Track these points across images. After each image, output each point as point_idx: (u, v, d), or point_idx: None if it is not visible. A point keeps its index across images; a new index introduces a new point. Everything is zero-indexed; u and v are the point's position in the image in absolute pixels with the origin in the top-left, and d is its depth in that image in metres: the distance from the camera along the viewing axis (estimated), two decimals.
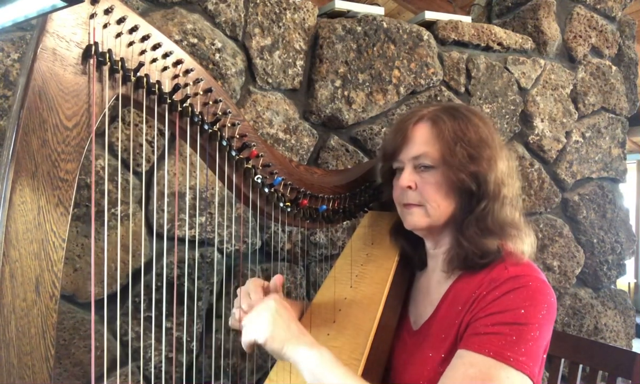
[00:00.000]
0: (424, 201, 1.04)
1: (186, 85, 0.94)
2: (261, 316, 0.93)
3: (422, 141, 1.04)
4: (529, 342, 0.89)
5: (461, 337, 0.96)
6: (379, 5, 2.00)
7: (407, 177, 1.05)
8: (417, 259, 1.17)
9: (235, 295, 1.53)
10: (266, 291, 1.08)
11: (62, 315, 1.34)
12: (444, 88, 1.86)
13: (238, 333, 1.52)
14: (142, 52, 0.87)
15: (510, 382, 0.87)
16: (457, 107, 1.09)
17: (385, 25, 1.74)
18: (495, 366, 0.87)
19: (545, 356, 0.98)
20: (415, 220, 1.06)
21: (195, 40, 1.45)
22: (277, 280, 1.09)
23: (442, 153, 1.02)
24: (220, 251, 1.53)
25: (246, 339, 0.93)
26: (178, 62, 0.92)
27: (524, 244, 1.01)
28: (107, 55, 0.82)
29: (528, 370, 0.88)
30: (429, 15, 1.90)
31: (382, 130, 1.75)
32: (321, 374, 0.88)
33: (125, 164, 1.41)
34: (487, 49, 1.96)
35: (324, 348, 0.92)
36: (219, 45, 1.49)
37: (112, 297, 1.36)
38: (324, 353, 0.90)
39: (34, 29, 1.28)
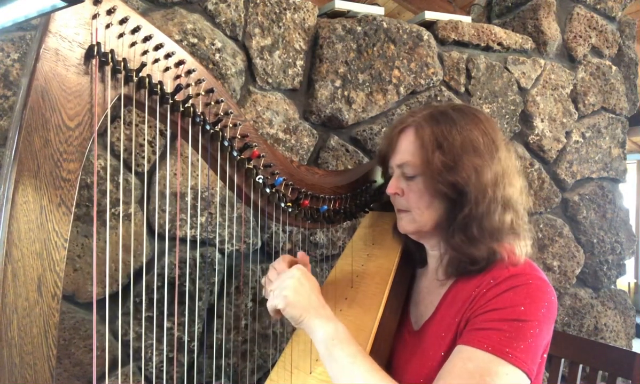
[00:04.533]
0: (410, 208, 1.06)
1: (188, 85, 0.94)
2: (284, 283, 0.95)
3: (405, 149, 1.05)
4: (528, 339, 0.89)
5: (460, 333, 0.96)
6: (379, 5, 2.00)
7: (393, 184, 1.07)
8: (418, 256, 1.17)
9: (236, 295, 1.54)
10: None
11: (62, 314, 1.34)
12: (444, 88, 1.86)
13: (239, 332, 1.53)
14: (144, 53, 0.87)
15: (508, 378, 0.87)
16: (445, 111, 1.05)
17: (385, 25, 1.74)
18: (494, 362, 0.87)
19: (545, 356, 0.99)
20: (403, 224, 1.08)
21: (195, 40, 1.45)
22: (301, 256, 1.13)
23: (421, 161, 1.02)
24: (221, 251, 1.53)
25: (270, 305, 0.95)
26: (180, 63, 0.92)
27: (520, 248, 1.00)
28: (110, 55, 0.82)
29: (526, 367, 0.88)
30: (429, 15, 1.90)
31: (382, 130, 1.75)
32: (333, 347, 0.90)
33: (126, 164, 1.41)
34: (487, 49, 1.96)
35: (341, 323, 0.93)
36: (219, 45, 1.49)
37: (112, 297, 1.36)
38: (339, 328, 0.92)
39: (34, 29, 1.28)
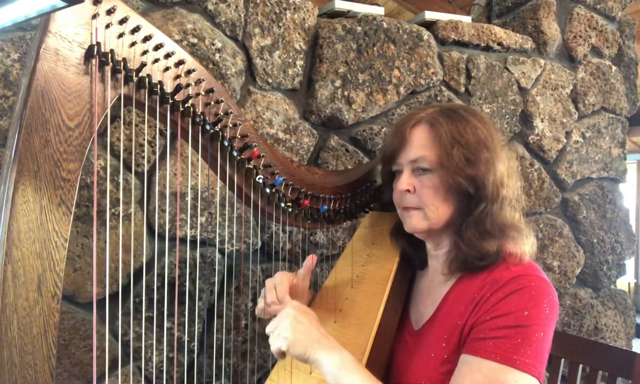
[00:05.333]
0: (423, 205, 1.04)
1: (188, 85, 0.94)
2: (282, 325, 0.93)
3: (419, 144, 1.04)
4: (534, 344, 0.89)
5: (465, 339, 0.95)
6: (379, 5, 2.00)
7: (405, 181, 1.05)
8: (417, 259, 1.17)
9: (236, 295, 1.54)
10: (293, 289, 1.11)
11: (62, 314, 1.34)
12: (444, 88, 1.86)
13: (239, 332, 1.53)
14: (144, 53, 0.87)
15: None
16: (455, 109, 1.07)
17: (385, 25, 1.74)
18: (502, 371, 0.87)
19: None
20: (414, 223, 1.06)
21: (195, 40, 1.45)
22: (310, 260, 1.14)
23: (439, 156, 1.01)
24: (221, 251, 1.53)
25: (273, 348, 0.94)
26: (180, 63, 0.92)
27: (525, 245, 1.01)
28: (110, 55, 0.82)
29: (535, 372, 0.88)
30: (429, 15, 1.90)
31: (382, 130, 1.75)
32: (341, 377, 0.88)
33: (126, 164, 1.41)
34: (487, 49, 1.96)
35: (346, 351, 0.92)
36: (219, 45, 1.49)
37: (112, 297, 1.36)
38: (345, 356, 0.91)
39: (34, 29, 1.28)
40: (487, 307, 0.94)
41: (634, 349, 1.65)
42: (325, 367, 0.90)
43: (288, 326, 0.92)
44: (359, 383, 0.88)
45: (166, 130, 0.93)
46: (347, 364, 0.90)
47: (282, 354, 0.94)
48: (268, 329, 0.96)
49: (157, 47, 0.89)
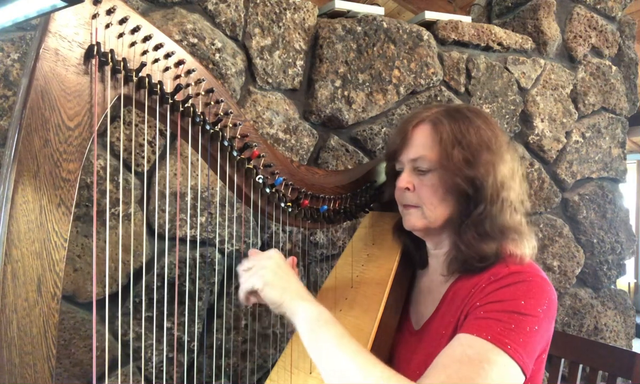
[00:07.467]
0: (421, 203, 1.05)
1: (188, 85, 0.94)
2: (262, 264, 0.91)
3: (420, 144, 1.05)
4: (527, 334, 0.89)
5: (460, 326, 0.95)
6: (379, 5, 2.00)
7: (405, 179, 1.06)
8: (418, 258, 1.17)
9: (236, 295, 1.53)
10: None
11: (62, 314, 1.34)
12: (444, 88, 1.86)
13: (239, 332, 1.53)
14: (144, 53, 0.87)
15: (505, 369, 0.86)
16: (459, 109, 1.08)
17: (385, 25, 1.74)
18: (493, 351, 0.87)
19: (545, 356, 0.98)
20: (412, 220, 1.07)
21: (195, 40, 1.45)
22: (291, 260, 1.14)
23: (439, 156, 1.02)
24: (221, 251, 1.53)
25: (245, 287, 0.91)
26: (180, 63, 0.92)
27: (525, 248, 1.01)
28: (109, 55, 0.82)
29: (522, 362, 0.87)
30: (429, 15, 1.90)
31: (382, 130, 1.75)
32: (318, 328, 0.87)
33: (126, 164, 1.41)
34: (487, 49, 1.96)
35: (323, 307, 0.90)
36: (219, 45, 1.49)
37: (112, 297, 1.36)
38: (322, 310, 0.89)
39: (34, 29, 1.28)
40: (482, 295, 0.94)
41: (634, 349, 1.65)
42: (301, 316, 0.88)
43: (268, 266, 0.90)
44: (335, 335, 0.86)
45: (166, 130, 0.93)
46: (325, 316, 0.88)
47: (252, 295, 0.90)
48: (244, 266, 0.92)
49: (157, 47, 0.89)
